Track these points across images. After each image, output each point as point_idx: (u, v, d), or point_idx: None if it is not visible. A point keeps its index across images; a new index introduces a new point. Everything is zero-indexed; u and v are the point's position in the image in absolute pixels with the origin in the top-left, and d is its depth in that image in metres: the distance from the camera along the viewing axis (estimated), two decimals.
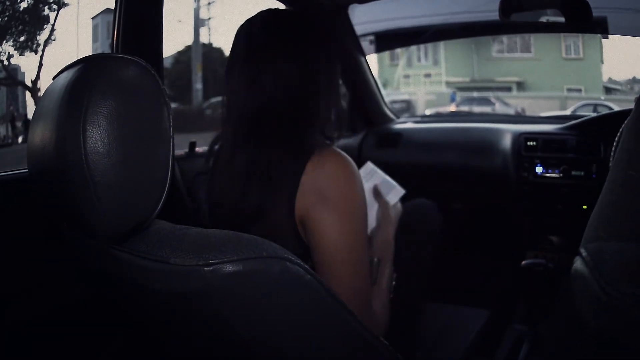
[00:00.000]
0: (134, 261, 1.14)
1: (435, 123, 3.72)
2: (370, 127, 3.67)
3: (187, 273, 1.04)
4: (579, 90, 20.68)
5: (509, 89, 23.93)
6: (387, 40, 3.96)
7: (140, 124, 1.14)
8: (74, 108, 1.08)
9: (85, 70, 1.13)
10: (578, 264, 0.96)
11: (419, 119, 3.96)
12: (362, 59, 3.50)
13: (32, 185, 1.35)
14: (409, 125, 3.66)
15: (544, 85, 22.19)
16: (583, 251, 0.97)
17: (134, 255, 1.14)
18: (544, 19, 2.78)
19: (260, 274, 1.06)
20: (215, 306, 1.08)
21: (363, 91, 3.56)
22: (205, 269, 1.02)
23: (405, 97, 23.72)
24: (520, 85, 23.72)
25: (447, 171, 3.28)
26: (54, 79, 1.33)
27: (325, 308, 1.18)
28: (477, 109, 21.21)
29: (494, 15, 3.00)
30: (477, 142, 3.24)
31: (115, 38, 2.31)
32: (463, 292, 3.14)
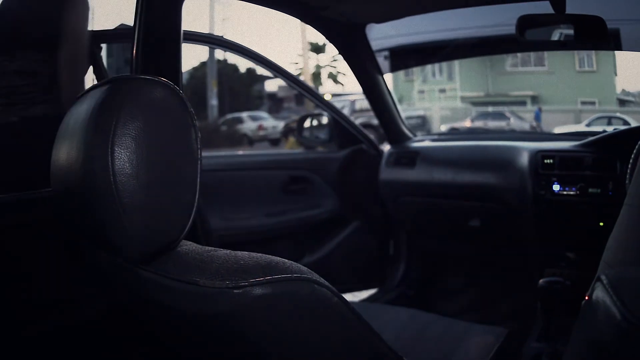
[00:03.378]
0: (161, 282, 1.13)
1: (452, 141, 3.71)
2: (392, 143, 3.67)
3: (216, 295, 1.04)
4: (593, 103, 20.67)
5: (523, 103, 23.91)
6: (402, 58, 3.96)
7: (168, 146, 1.14)
8: (102, 129, 1.08)
9: (113, 91, 1.12)
10: (599, 290, 0.95)
11: (436, 136, 3.95)
12: (380, 77, 3.49)
13: (56, 203, 1.33)
14: (426, 143, 3.65)
15: (558, 99, 22.17)
16: (604, 278, 0.97)
17: (161, 276, 1.13)
18: (558, 36, 2.78)
19: (289, 296, 1.06)
20: (244, 328, 1.08)
21: (381, 109, 3.57)
22: (235, 291, 1.02)
23: (421, 112, 23.69)
24: (535, 99, 23.68)
25: (464, 189, 3.27)
26: (78, 98, 1.31)
27: (351, 329, 1.17)
28: (492, 123, 21.17)
29: (507, 29, 3.01)
30: (494, 160, 3.22)
31: (134, 56, 2.29)
32: (480, 309, 3.13)
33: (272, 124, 28.13)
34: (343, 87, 38.58)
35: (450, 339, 2.45)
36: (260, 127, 27.62)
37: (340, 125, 3.72)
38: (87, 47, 2.54)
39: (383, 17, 3.17)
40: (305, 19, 3.19)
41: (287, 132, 25.37)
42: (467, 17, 3.27)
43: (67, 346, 2.02)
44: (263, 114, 30.58)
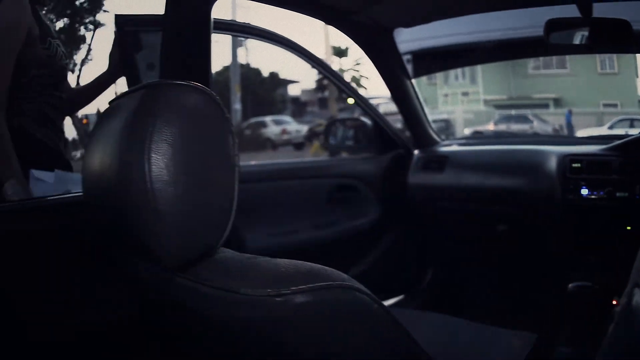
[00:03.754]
0: (198, 289, 1.11)
1: (480, 145, 3.70)
2: (419, 147, 3.64)
3: (256, 303, 1.02)
4: (615, 105, 20.59)
5: (546, 106, 23.83)
6: (425, 63, 3.97)
7: (206, 152, 1.14)
8: (138, 135, 1.07)
9: (149, 97, 1.12)
10: (638, 296, 0.95)
11: (463, 141, 3.93)
12: (408, 80, 3.48)
13: (87, 208, 1.35)
14: (454, 147, 3.64)
15: (580, 101, 22.09)
16: None
17: (199, 284, 1.11)
18: (580, 39, 2.78)
19: (330, 304, 1.04)
20: (284, 336, 1.06)
21: (409, 113, 3.55)
22: (277, 299, 1.00)
23: (444, 116, 23.65)
24: (557, 102, 23.60)
25: (492, 193, 3.25)
26: (110, 103, 1.32)
27: (391, 337, 1.15)
28: (515, 126, 21.12)
29: (530, 32, 3.01)
30: (523, 164, 3.21)
31: (163, 61, 2.29)
32: (508, 313, 3.12)
33: (295, 128, 28.36)
34: (366, 90, 38.61)
35: (481, 345, 2.44)
36: (283, 131, 27.79)
37: (379, 129, 3.66)
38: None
39: (412, 22, 3.18)
40: (334, 23, 3.18)
41: (311, 136, 25.37)
42: (490, 19, 3.27)
43: (91, 351, 2.01)
44: (286, 118, 30.75)
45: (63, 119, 2.60)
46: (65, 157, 2.57)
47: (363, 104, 3.66)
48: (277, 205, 3.22)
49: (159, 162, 1.06)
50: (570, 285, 2.83)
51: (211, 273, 1.12)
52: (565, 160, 3.05)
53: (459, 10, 3.05)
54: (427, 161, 3.57)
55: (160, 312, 1.46)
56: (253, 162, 3.14)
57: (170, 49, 2.26)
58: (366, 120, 3.80)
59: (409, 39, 3.60)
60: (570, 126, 20.61)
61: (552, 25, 2.75)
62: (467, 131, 22.45)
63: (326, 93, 35.69)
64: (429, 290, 3.68)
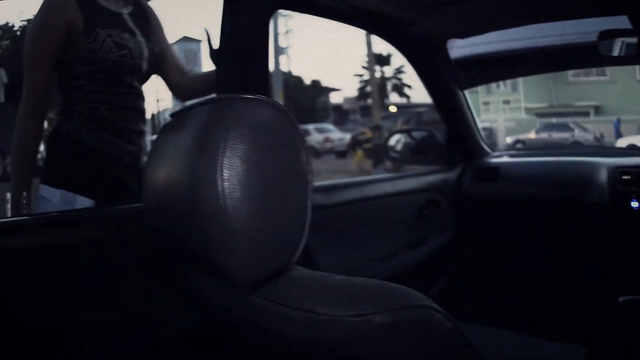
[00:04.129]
0: (271, 308, 1.09)
1: (530, 157, 3.66)
2: (467, 160, 3.65)
3: (334, 323, 0.98)
4: None
5: (586, 114, 23.61)
6: (469, 72, 3.90)
7: (279, 169, 1.10)
8: (209, 150, 1.05)
9: (219, 111, 1.10)
10: None
11: (513, 152, 3.88)
12: (460, 92, 3.45)
13: (148, 221, 1.35)
14: (505, 159, 3.58)
15: (620, 109, 21.85)
16: None
17: (273, 302, 1.08)
18: (619, 48, 2.78)
19: (408, 324, 0.98)
20: (361, 358, 1.01)
21: (461, 125, 3.51)
22: (355, 319, 0.95)
23: (486, 124, 23.36)
24: (598, 110, 23.43)
25: (543, 205, 3.22)
26: (172, 116, 1.31)
27: (463, 354, 1.06)
28: (556, 135, 20.98)
29: (582, 38, 3.02)
30: (573, 176, 3.17)
31: (220, 71, 2.29)
32: (556, 327, 3.11)
33: (338, 136, 27.87)
34: (408, 99, 38.49)
35: (532, 358, 2.45)
36: (326, 140, 27.39)
37: (454, 138, 3.57)
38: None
39: (467, 32, 3.16)
40: (386, 35, 3.13)
41: (354, 144, 25.14)
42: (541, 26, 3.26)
43: None
44: (329, 126, 30.35)
45: (131, 117, 2.43)
46: (127, 161, 2.40)
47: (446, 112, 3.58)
48: (356, 223, 2.96)
49: (233, 178, 1.03)
50: (620, 299, 2.84)
51: (285, 291, 1.09)
52: (615, 173, 3.04)
53: (516, 22, 3.04)
54: (478, 172, 3.55)
55: (228, 330, 1.43)
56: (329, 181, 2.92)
57: (227, 59, 2.24)
58: (432, 130, 3.73)
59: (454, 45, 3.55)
60: (619, 135, 20.28)
61: (604, 36, 2.77)
62: (508, 140, 22.30)
63: (369, 101, 35.53)
64: (476, 301, 3.63)
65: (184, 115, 1.23)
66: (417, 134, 3.93)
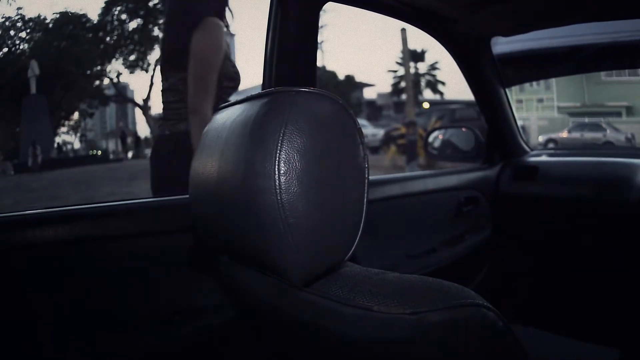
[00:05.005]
0: (325, 305, 1.08)
1: (568, 157, 3.63)
2: (506, 159, 3.68)
3: (391, 321, 0.98)
4: None
5: (618, 114, 23.46)
6: (511, 69, 3.86)
7: (338, 164, 1.08)
8: (266, 143, 1.04)
9: (277, 103, 1.08)
10: None
11: (552, 151, 3.85)
12: (502, 89, 3.44)
13: (195, 212, 1.35)
14: (544, 158, 3.55)
15: None
16: None
17: (326, 299, 1.08)
18: None
19: (462, 322, 0.99)
20: (417, 356, 1.01)
21: (502, 123, 3.49)
22: (411, 317, 0.96)
23: (520, 122, 23.26)
24: (630, 110, 23.24)
25: (582, 205, 3.20)
26: (221, 108, 1.33)
27: (513, 353, 1.10)
28: (588, 135, 20.89)
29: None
30: (612, 177, 3.14)
31: (267, 66, 2.31)
32: (593, 327, 3.08)
33: (371, 131, 27.91)
34: (442, 95, 38.42)
35: (566, 359, 2.44)
36: None
37: (494, 136, 3.60)
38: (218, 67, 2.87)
39: (512, 30, 3.14)
40: (432, 32, 3.15)
41: (387, 140, 25.08)
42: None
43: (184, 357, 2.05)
44: (362, 121, 29.73)
45: None
46: None
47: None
48: (396, 219, 3.01)
49: (290, 172, 1.02)
50: None
51: (339, 288, 1.09)
52: None
53: (560, 21, 3.02)
54: (517, 171, 3.53)
55: (272, 324, 1.43)
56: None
57: (275, 53, 2.28)
58: (472, 128, 3.74)
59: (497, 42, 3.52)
60: None
61: None
62: (541, 139, 22.20)
63: (402, 97, 35.50)
64: (513, 301, 3.62)
65: (235, 108, 1.22)
66: (457, 131, 3.91)
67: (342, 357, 1.18)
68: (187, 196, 1.40)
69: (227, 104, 1.31)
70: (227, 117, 1.23)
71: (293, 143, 1.02)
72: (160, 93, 2.98)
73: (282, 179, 1.01)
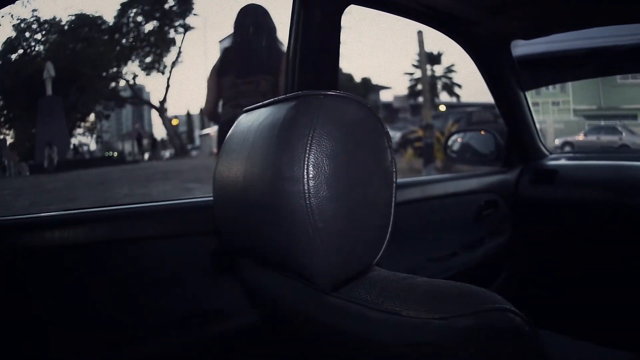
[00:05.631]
0: (354, 310, 1.07)
1: (588, 160, 3.61)
2: (525, 162, 3.67)
3: (420, 326, 0.97)
4: None
5: (634, 117, 23.41)
6: (532, 72, 3.84)
7: (366, 168, 1.08)
8: (295, 146, 1.03)
9: (305, 107, 1.07)
10: None
11: (571, 154, 3.84)
12: (522, 93, 3.42)
13: (218, 215, 1.35)
14: (563, 161, 3.53)
15: None
16: None
17: (354, 304, 1.07)
18: None
19: (490, 327, 0.97)
20: None
21: (521, 126, 3.47)
22: (440, 322, 0.95)
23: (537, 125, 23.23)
24: None
25: (602, 209, 3.18)
26: (245, 111, 1.32)
27: (537, 358, 1.04)
28: (604, 137, 20.86)
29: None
30: (632, 180, 3.15)
31: (290, 70, 2.31)
32: (613, 333, 3.06)
33: None
34: (458, 98, 38.36)
35: None
36: None
37: (513, 139, 3.57)
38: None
39: (532, 33, 3.13)
40: (452, 34, 3.14)
41: (404, 143, 25.02)
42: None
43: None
44: None
45: None
46: None
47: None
48: (417, 222, 2.99)
49: (320, 176, 1.02)
50: None
51: (367, 293, 1.08)
52: None
53: (580, 24, 3.00)
54: (536, 174, 3.51)
55: (296, 328, 1.40)
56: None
57: (298, 56, 2.28)
58: (491, 131, 3.72)
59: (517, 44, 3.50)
60: None
61: None
62: (557, 142, 22.18)
63: (419, 99, 35.49)
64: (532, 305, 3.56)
65: (261, 111, 1.21)
66: (475, 134, 3.89)
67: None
68: (210, 198, 1.40)
69: (251, 106, 1.31)
70: (253, 120, 1.23)
71: (322, 147, 1.02)
72: None
73: (311, 182, 1.01)
